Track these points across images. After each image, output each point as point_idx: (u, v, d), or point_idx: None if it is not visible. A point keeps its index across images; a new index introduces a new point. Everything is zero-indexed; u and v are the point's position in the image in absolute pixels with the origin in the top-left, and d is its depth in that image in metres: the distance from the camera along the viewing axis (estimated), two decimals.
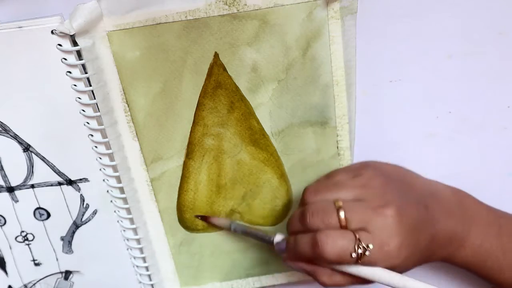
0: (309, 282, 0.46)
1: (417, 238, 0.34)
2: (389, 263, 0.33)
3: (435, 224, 0.36)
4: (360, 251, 0.32)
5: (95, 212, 0.41)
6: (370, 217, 0.33)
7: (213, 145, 0.39)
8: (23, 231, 0.42)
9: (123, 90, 0.37)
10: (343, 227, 0.33)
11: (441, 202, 0.37)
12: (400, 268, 0.33)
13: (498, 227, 0.38)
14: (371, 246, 0.32)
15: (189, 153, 0.39)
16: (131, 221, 0.41)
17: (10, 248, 0.42)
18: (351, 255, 0.32)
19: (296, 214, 0.36)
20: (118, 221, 0.41)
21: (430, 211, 0.36)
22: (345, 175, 0.36)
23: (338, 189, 0.35)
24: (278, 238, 0.37)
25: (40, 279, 0.44)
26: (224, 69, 0.37)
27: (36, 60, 0.35)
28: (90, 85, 0.36)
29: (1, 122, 0.37)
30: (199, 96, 0.37)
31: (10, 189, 0.40)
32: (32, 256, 0.43)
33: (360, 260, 0.32)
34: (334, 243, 0.32)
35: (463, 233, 0.37)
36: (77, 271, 0.44)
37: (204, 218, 0.42)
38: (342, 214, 0.33)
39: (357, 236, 0.32)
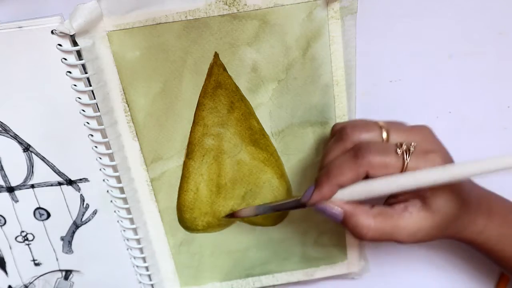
0: (309, 282, 0.46)
1: (452, 160, 0.32)
2: None
3: (466, 183, 0.34)
4: (404, 148, 0.30)
5: (95, 212, 0.41)
6: (410, 132, 0.31)
7: (213, 145, 0.39)
8: (23, 231, 0.42)
9: (123, 90, 0.37)
10: (385, 141, 0.31)
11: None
12: None
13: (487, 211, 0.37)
14: (414, 143, 0.30)
15: (189, 153, 0.39)
16: (131, 221, 0.41)
17: (10, 248, 0.42)
18: (396, 152, 0.30)
19: (331, 141, 0.33)
20: (118, 221, 0.41)
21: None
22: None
23: (374, 120, 0.33)
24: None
25: (40, 276, 0.44)
26: (224, 69, 0.37)
27: (36, 60, 0.35)
28: (90, 85, 0.36)
29: (1, 122, 0.37)
30: (199, 96, 0.37)
31: (10, 189, 0.40)
32: (32, 256, 0.43)
33: (406, 160, 0.30)
34: (378, 146, 0.30)
35: (488, 215, 0.36)
36: (77, 271, 0.44)
37: (232, 215, 0.40)
38: (384, 132, 0.31)
39: (400, 142, 0.31)
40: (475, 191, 0.36)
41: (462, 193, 0.33)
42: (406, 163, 0.30)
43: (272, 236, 0.43)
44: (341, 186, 0.31)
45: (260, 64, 0.37)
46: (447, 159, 0.31)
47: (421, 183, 0.30)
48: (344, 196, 0.32)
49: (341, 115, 0.39)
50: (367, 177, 0.31)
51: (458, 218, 0.34)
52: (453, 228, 0.34)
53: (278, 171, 0.41)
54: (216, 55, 0.36)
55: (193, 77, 0.37)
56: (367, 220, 0.31)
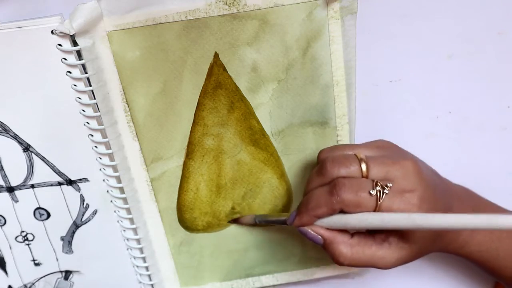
0: (309, 282, 0.46)
1: (434, 196, 0.32)
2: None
3: (449, 198, 0.34)
4: (378, 188, 0.30)
5: (95, 212, 0.41)
6: (391, 167, 0.31)
7: (213, 145, 0.39)
8: (23, 231, 0.42)
9: (123, 90, 0.37)
10: (364, 177, 0.31)
11: (452, 188, 0.37)
12: None
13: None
14: (389, 184, 0.31)
15: (189, 153, 0.39)
16: (131, 221, 0.41)
17: (10, 248, 0.42)
18: (369, 193, 0.30)
19: (314, 171, 0.34)
20: (118, 221, 0.41)
21: (445, 184, 0.35)
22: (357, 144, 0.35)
23: (355, 148, 0.34)
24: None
25: (41, 278, 0.44)
26: (224, 69, 0.37)
27: (36, 60, 0.35)
28: (90, 85, 0.36)
29: (1, 122, 0.37)
30: (199, 96, 0.37)
31: (10, 189, 0.40)
32: (32, 256, 0.43)
33: (379, 200, 0.30)
34: (353, 185, 0.31)
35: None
36: (77, 271, 0.44)
37: (235, 220, 0.42)
38: (363, 165, 0.31)
39: (376, 180, 0.31)
40: (455, 204, 0.36)
41: None
42: (378, 204, 0.31)
43: (272, 236, 0.43)
44: (318, 217, 0.33)
45: (260, 64, 0.37)
46: (425, 199, 0.31)
47: (389, 226, 0.30)
48: (323, 224, 0.33)
49: (341, 115, 0.39)
50: (343, 211, 0.32)
51: (438, 241, 0.35)
52: (435, 247, 0.36)
53: (278, 171, 0.41)
54: (216, 55, 0.36)
55: (193, 77, 0.37)
56: (345, 249, 0.32)
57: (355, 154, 0.32)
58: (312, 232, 0.33)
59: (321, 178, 0.33)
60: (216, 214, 0.42)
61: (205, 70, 0.37)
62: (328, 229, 0.33)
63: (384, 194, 0.30)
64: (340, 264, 0.33)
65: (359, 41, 0.37)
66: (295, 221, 0.34)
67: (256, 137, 0.39)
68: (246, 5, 0.35)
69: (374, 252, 0.32)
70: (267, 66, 0.37)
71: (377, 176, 0.31)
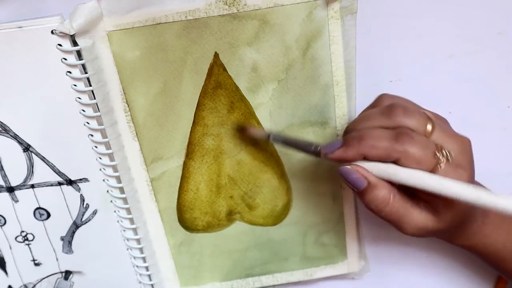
0: (309, 282, 0.46)
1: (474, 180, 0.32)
2: None
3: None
4: (444, 153, 0.30)
5: (95, 212, 0.41)
6: (451, 138, 0.31)
7: (213, 145, 0.39)
8: (23, 231, 0.42)
9: (123, 90, 0.37)
10: (427, 137, 0.30)
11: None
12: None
13: (510, 219, 0.38)
14: (452, 152, 0.30)
15: (189, 153, 0.39)
16: (131, 221, 0.41)
17: (10, 248, 0.42)
18: (435, 154, 0.29)
19: (375, 109, 0.32)
20: (118, 221, 0.41)
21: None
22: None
23: (421, 108, 0.33)
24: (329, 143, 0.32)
25: (43, 278, 0.44)
26: (224, 69, 0.37)
27: (36, 60, 0.35)
28: (90, 85, 0.36)
29: (1, 122, 0.37)
30: (199, 96, 0.37)
31: (10, 189, 0.40)
32: (32, 256, 0.43)
33: (439, 165, 0.29)
34: (420, 140, 0.30)
35: (482, 219, 0.36)
36: (77, 271, 0.44)
37: (242, 128, 0.38)
38: (429, 126, 0.30)
39: (439, 145, 0.30)
40: None
41: (469, 209, 0.34)
42: (437, 168, 0.30)
43: (272, 236, 0.43)
44: (367, 157, 0.31)
45: (260, 64, 0.37)
46: (471, 180, 0.31)
47: (444, 192, 0.29)
48: (364, 167, 0.31)
49: (341, 115, 0.39)
50: (397, 162, 0.30)
51: (460, 228, 0.35)
52: (450, 234, 0.36)
53: (278, 171, 0.41)
54: (216, 55, 0.36)
55: (193, 77, 0.37)
56: (388, 195, 0.31)
57: (424, 112, 0.31)
58: (357, 173, 0.31)
59: (385, 119, 0.31)
60: (216, 214, 0.42)
61: (205, 70, 0.37)
62: None
63: (445, 161, 0.30)
64: (379, 211, 0.31)
65: (359, 41, 0.37)
66: (338, 151, 0.31)
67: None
68: (246, 5, 0.35)
69: (408, 210, 0.32)
70: (267, 66, 0.37)
71: (439, 140, 0.31)
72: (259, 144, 0.39)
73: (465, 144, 0.32)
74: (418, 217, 0.32)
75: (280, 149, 0.40)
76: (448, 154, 0.30)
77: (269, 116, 0.38)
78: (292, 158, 0.40)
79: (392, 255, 0.46)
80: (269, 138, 0.37)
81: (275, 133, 0.37)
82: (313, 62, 0.37)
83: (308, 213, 0.42)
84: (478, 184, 0.37)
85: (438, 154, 0.30)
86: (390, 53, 0.39)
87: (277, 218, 0.43)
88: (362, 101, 0.40)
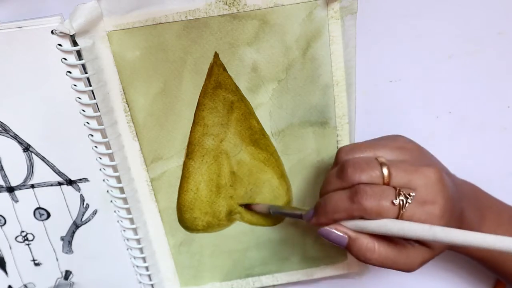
0: (309, 282, 0.46)
1: (453, 207, 0.32)
2: (431, 224, 0.30)
3: (461, 201, 0.34)
4: (401, 198, 0.30)
5: (95, 212, 0.41)
6: (413, 175, 0.31)
7: (213, 145, 0.39)
8: (23, 231, 0.42)
9: (123, 90, 0.37)
10: (386, 183, 0.31)
11: (461, 189, 0.36)
12: None
13: (508, 220, 0.38)
14: (413, 194, 0.30)
15: (189, 153, 0.39)
16: (131, 221, 0.41)
17: (10, 248, 0.42)
18: (392, 202, 0.30)
19: (332, 171, 0.33)
20: (118, 221, 0.41)
21: (456, 185, 0.34)
22: (377, 139, 0.35)
23: (376, 148, 0.33)
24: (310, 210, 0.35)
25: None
26: (224, 69, 0.37)
27: (36, 60, 0.35)
28: (90, 85, 0.36)
29: (1, 122, 0.37)
30: (199, 96, 0.37)
31: (10, 189, 0.40)
32: (32, 256, 0.43)
33: (402, 210, 0.30)
34: (376, 193, 0.30)
35: (479, 223, 0.36)
36: (77, 271, 0.44)
37: (248, 206, 0.41)
38: (385, 170, 0.31)
39: (398, 188, 0.30)
40: (465, 205, 0.35)
41: (460, 219, 0.34)
42: (401, 213, 0.30)
43: (272, 236, 0.43)
44: (336, 221, 0.32)
45: (260, 64, 0.37)
46: (446, 210, 0.31)
47: (409, 235, 0.30)
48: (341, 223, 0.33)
49: (341, 115, 0.39)
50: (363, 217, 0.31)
51: None
52: (451, 247, 0.36)
53: (278, 171, 0.41)
54: (216, 55, 0.36)
55: (193, 77, 0.37)
56: (371, 244, 0.32)
57: (376, 158, 0.32)
58: (336, 232, 0.32)
59: (340, 181, 0.32)
60: (216, 214, 0.42)
61: (205, 70, 0.37)
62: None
63: (407, 203, 0.30)
64: (368, 260, 0.32)
65: (359, 41, 0.37)
66: (312, 220, 0.33)
67: (256, 137, 0.39)
68: (246, 5, 0.35)
69: (399, 250, 0.32)
70: (267, 66, 0.37)
71: (399, 183, 0.31)
72: (259, 144, 0.39)
73: (429, 176, 0.31)
74: (413, 254, 0.32)
75: (280, 149, 0.40)
76: (409, 196, 0.30)
77: (269, 116, 0.38)
78: (292, 158, 0.40)
79: None
80: (270, 212, 0.40)
81: (273, 207, 0.40)
82: (313, 62, 0.37)
83: None
84: (470, 199, 0.37)
85: (397, 199, 0.30)
86: (390, 53, 0.39)
87: (277, 218, 0.43)
88: (362, 101, 0.40)
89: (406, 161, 0.32)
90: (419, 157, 0.33)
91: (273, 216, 0.42)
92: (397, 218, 0.30)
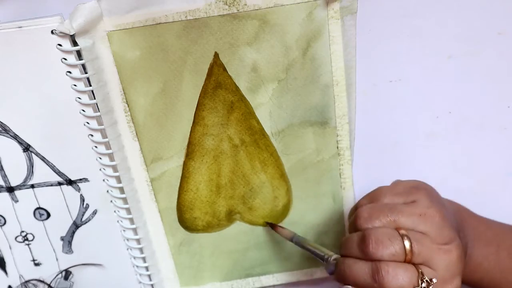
0: (309, 282, 0.46)
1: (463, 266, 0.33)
2: None
3: (464, 237, 0.36)
4: (424, 285, 0.30)
5: (95, 212, 0.41)
6: (435, 253, 0.31)
7: (213, 145, 0.39)
8: (23, 231, 0.42)
9: (123, 90, 0.37)
10: (407, 260, 0.31)
11: (456, 215, 0.37)
12: None
13: (496, 245, 0.38)
14: (435, 280, 0.30)
15: (189, 153, 0.39)
16: (131, 221, 0.41)
17: (10, 248, 0.42)
18: (415, 284, 0.30)
19: (354, 238, 0.33)
20: (118, 221, 0.41)
21: (457, 223, 0.35)
22: (396, 198, 0.34)
23: (395, 214, 0.32)
24: (334, 257, 0.35)
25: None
26: (224, 69, 0.37)
27: (36, 60, 0.35)
28: (90, 85, 0.36)
29: (1, 122, 0.37)
30: (199, 96, 0.37)
31: (10, 189, 0.40)
32: (32, 256, 0.43)
33: None
34: (397, 275, 0.30)
35: (468, 251, 0.37)
36: (77, 271, 0.44)
37: (272, 225, 0.42)
38: (407, 244, 0.31)
39: (420, 270, 0.31)
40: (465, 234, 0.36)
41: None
42: None
43: (272, 236, 0.43)
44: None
45: (260, 64, 0.37)
46: (459, 245, 0.32)
47: None
48: None
49: (341, 115, 0.39)
50: None
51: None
52: None
53: (278, 171, 0.41)
54: (216, 55, 0.36)
55: (193, 77, 0.37)
56: None
57: (397, 230, 0.31)
58: None
59: (362, 253, 0.32)
60: (216, 214, 0.42)
61: (205, 70, 0.37)
62: None
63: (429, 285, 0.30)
64: None
65: (359, 41, 0.37)
66: (334, 277, 0.34)
67: (256, 137, 0.39)
68: (246, 5, 0.35)
69: None
70: (267, 66, 0.37)
71: (420, 260, 0.31)
72: (259, 144, 0.39)
73: (450, 258, 0.31)
74: None
75: (280, 149, 0.40)
76: (430, 282, 0.30)
77: (269, 116, 0.38)
78: (292, 158, 0.40)
79: None
80: (292, 240, 0.40)
81: (298, 237, 0.40)
82: (313, 62, 0.37)
83: (308, 213, 0.42)
84: (464, 229, 0.37)
85: (419, 286, 0.30)
86: (390, 53, 0.39)
87: (277, 218, 0.43)
88: (362, 101, 0.40)
89: (427, 235, 0.32)
90: (440, 229, 0.32)
91: (271, 216, 0.42)
92: None
